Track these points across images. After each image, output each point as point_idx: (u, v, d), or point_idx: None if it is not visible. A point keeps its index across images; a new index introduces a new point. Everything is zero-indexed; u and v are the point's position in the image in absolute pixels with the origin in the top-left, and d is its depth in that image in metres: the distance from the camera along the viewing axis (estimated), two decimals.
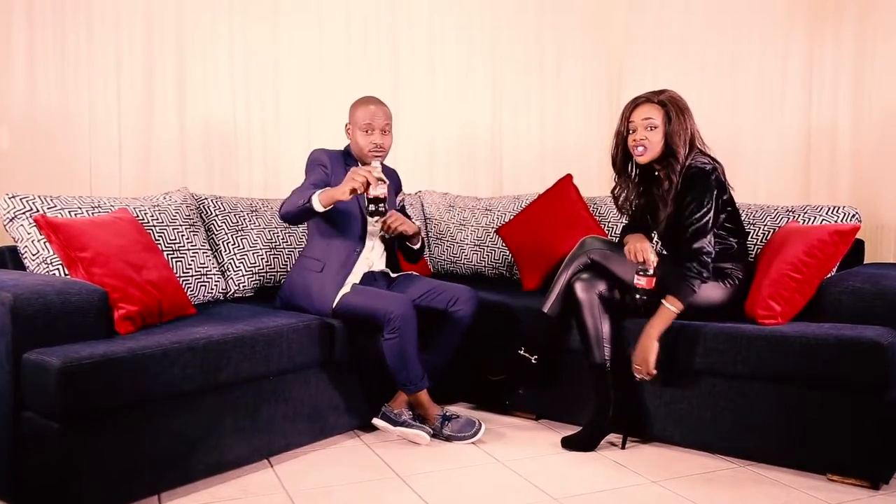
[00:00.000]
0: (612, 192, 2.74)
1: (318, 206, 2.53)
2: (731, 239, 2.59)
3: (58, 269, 2.39)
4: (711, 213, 2.48)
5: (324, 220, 2.72)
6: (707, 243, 2.47)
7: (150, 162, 3.32)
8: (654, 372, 2.45)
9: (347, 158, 2.81)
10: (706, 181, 2.49)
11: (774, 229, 2.83)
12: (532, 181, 4.11)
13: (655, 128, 2.54)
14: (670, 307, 2.44)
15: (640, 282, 2.46)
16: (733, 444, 2.47)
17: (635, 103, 2.60)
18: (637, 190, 2.69)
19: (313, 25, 3.74)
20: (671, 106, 2.54)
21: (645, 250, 2.48)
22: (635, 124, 2.57)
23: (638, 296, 2.48)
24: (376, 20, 3.92)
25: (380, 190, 2.48)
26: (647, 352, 2.44)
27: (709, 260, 2.47)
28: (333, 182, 2.67)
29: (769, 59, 3.67)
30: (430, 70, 4.09)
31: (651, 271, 2.46)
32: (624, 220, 2.90)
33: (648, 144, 2.55)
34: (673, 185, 2.52)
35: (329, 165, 2.74)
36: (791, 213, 2.87)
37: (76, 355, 1.97)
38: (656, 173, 2.64)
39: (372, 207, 2.51)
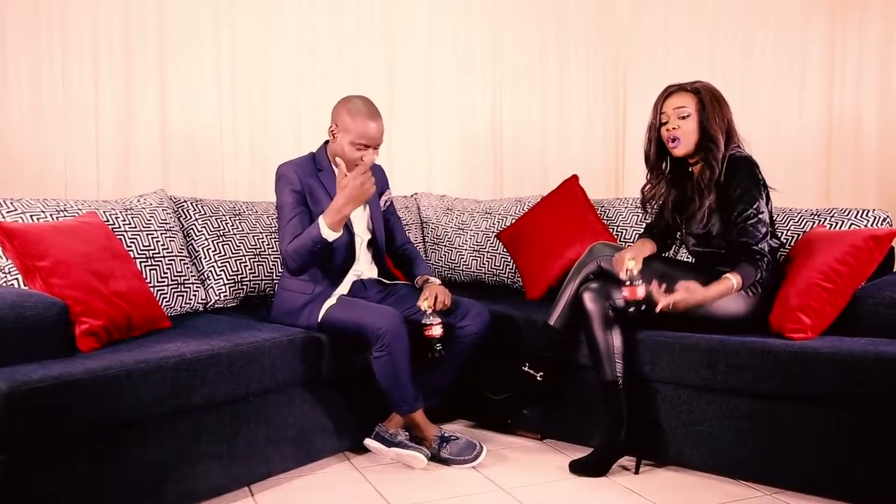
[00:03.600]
0: (643, 189, 2.58)
1: (330, 236, 2.38)
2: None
3: (17, 279, 2.19)
4: (765, 208, 2.33)
5: None
6: (766, 245, 2.31)
7: (129, 163, 3.17)
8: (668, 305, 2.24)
9: (318, 164, 2.60)
10: (752, 171, 2.35)
11: (798, 234, 2.64)
12: (535, 182, 4.00)
13: (688, 116, 2.41)
14: (732, 279, 2.26)
15: (623, 292, 2.30)
16: (758, 470, 2.30)
17: (667, 93, 2.47)
18: (668, 185, 2.53)
19: (304, 19, 3.59)
20: (705, 93, 2.42)
21: (621, 259, 2.32)
22: (667, 114, 2.44)
23: (631, 308, 2.31)
24: (370, 15, 3.79)
25: (437, 329, 2.41)
26: (687, 301, 2.23)
27: (765, 263, 2.29)
28: (311, 198, 2.52)
29: (784, 55, 3.58)
30: (428, 65, 3.97)
31: (629, 280, 2.28)
32: (644, 219, 2.75)
33: (681, 134, 2.41)
34: (715, 173, 2.37)
35: (300, 185, 2.53)
36: (816, 217, 2.68)
37: (26, 378, 1.77)
38: (690, 168, 2.50)
39: (437, 347, 2.44)
